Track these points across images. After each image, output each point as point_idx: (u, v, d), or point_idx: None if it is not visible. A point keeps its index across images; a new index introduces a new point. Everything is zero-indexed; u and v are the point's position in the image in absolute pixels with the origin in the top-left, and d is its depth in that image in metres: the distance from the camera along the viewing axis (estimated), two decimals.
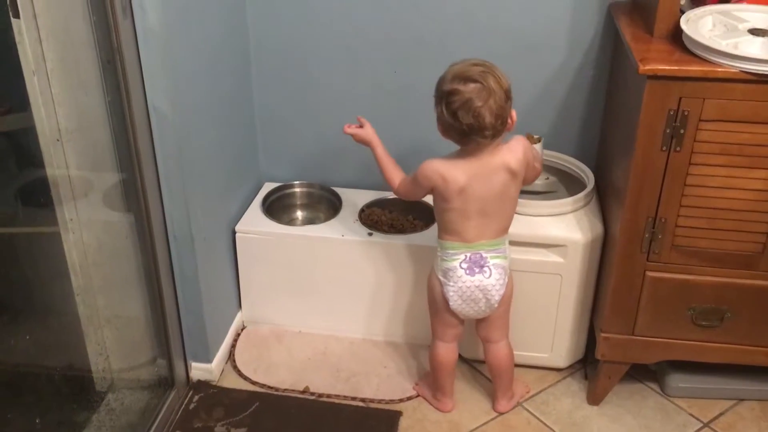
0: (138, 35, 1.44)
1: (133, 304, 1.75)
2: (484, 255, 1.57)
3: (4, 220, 1.90)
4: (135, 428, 1.71)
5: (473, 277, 1.56)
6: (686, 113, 1.42)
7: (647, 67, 1.39)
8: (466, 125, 1.43)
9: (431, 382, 1.81)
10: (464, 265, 1.57)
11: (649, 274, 1.59)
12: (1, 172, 1.92)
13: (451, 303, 1.59)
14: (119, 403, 1.77)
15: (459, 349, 1.78)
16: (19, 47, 1.38)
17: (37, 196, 1.67)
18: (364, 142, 1.67)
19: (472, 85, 1.41)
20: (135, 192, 1.59)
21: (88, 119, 1.53)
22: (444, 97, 1.44)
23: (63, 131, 1.49)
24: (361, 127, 1.68)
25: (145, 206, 1.59)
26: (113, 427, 1.72)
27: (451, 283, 1.57)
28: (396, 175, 1.65)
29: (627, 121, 1.57)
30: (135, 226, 1.65)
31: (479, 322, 1.69)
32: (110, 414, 1.76)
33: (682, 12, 1.52)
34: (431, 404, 1.80)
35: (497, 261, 1.59)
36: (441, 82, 1.46)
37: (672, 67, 1.39)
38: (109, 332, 1.73)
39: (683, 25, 1.46)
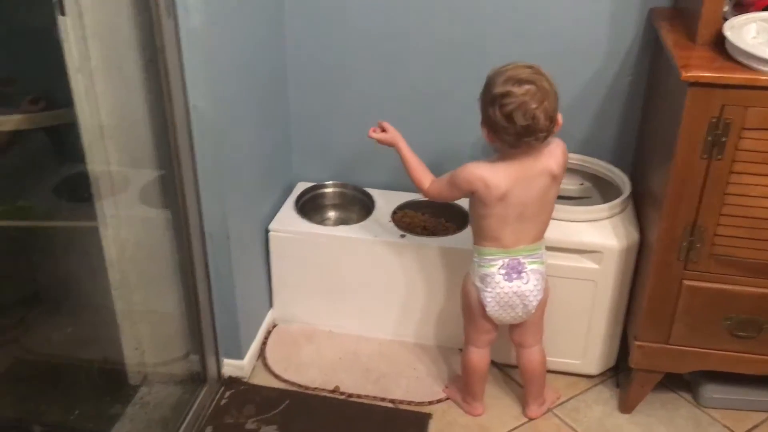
0: (180, 35, 1.46)
1: (168, 300, 1.78)
2: (522, 260, 1.56)
3: (45, 214, 1.94)
4: (167, 422, 1.73)
5: (511, 283, 1.56)
6: (728, 121, 1.40)
7: (689, 74, 1.38)
8: (521, 127, 1.41)
9: (462, 386, 1.80)
10: (502, 271, 1.56)
11: (686, 282, 1.57)
12: (44, 166, 1.97)
13: (488, 309, 1.58)
14: (152, 397, 1.80)
15: (491, 354, 1.78)
16: (65, 45, 1.40)
17: (78, 191, 1.70)
18: (389, 145, 1.66)
19: (526, 87, 1.40)
20: (173, 189, 1.61)
21: (130, 117, 1.55)
22: (496, 100, 1.41)
23: (105, 128, 1.52)
24: (384, 131, 1.67)
25: (182, 203, 1.61)
26: (146, 420, 1.74)
27: (489, 289, 1.56)
28: (425, 177, 1.64)
29: (667, 128, 1.55)
30: (172, 223, 1.67)
31: (513, 326, 1.68)
32: (143, 407, 1.78)
33: (725, 19, 1.50)
34: (461, 408, 1.80)
35: (535, 266, 1.58)
36: (491, 85, 1.43)
37: (715, 75, 1.38)
38: (143, 327, 1.76)
39: (726, 32, 1.44)
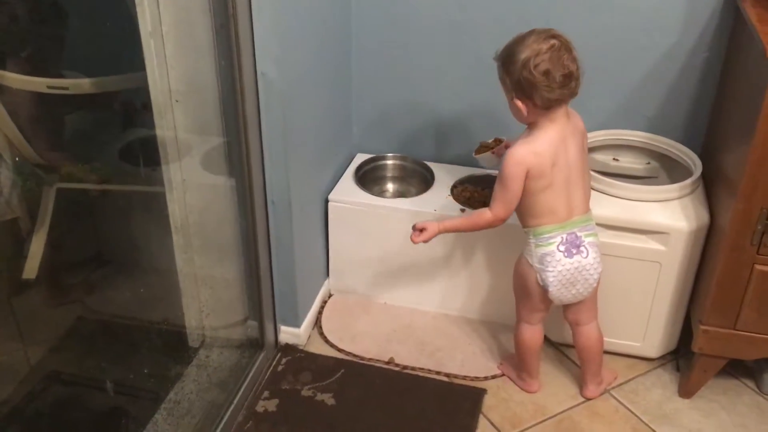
0: (252, 1, 1.45)
1: (229, 266, 1.80)
2: (578, 234, 1.54)
3: (112, 177, 1.97)
4: (226, 385, 1.76)
5: (572, 259, 1.54)
6: None
7: None
8: (561, 77, 1.42)
9: (516, 363, 1.79)
10: (561, 248, 1.54)
11: (758, 267, 1.52)
12: (112, 130, 2.00)
13: (551, 289, 1.57)
14: (211, 360, 1.83)
15: (545, 332, 1.76)
16: (138, 9, 1.42)
17: (145, 156, 1.72)
18: (437, 235, 1.62)
19: (551, 41, 1.43)
20: (238, 156, 1.62)
21: (199, 83, 1.56)
22: (528, 63, 1.42)
23: (174, 93, 1.53)
24: (422, 230, 1.61)
25: (247, 171, 1.62)
26: (204, 382, 1.78)
27: (550, 269, 1.55)
28: (481, 216, 1.57)
29: (746, 107, 1.50)
30: (236, 190, 1.68)
31: (568, 305, 1.66)
32: (202, 369, 1.82)
33: None
34: (516, 384, 1.79)
35: (591, 239, 1.56)
36: (513, 55, 1.44)
37: None
38: (204, 291, 1.79)
39: None
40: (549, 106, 1.47)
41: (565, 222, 1.54)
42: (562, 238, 1.54)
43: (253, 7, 1.46)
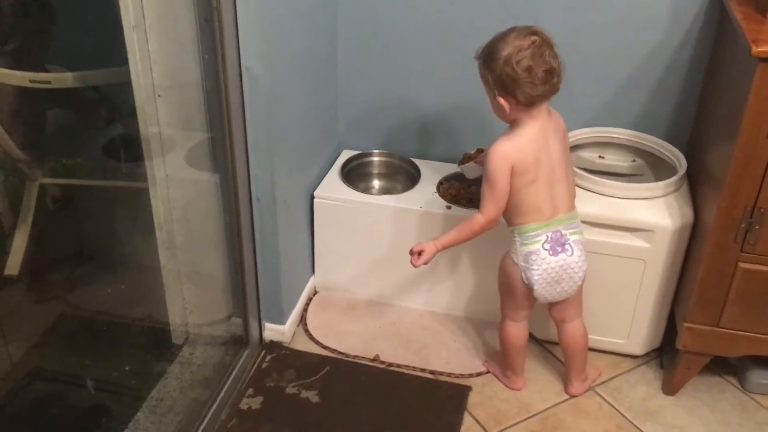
0: None
1: (214, 262, 1.79)
2: (563, 232, 1.54)
3: (94, 173, 1.95)
4: (209, 382, 1.75)
5: (557, 257, 1.54)
6: None
7: (760, 49, 1.32)
8: (543, 72, 1.42)
9: (501, 360, 1.79)
10: (546, 246, 1.54)
11: (742, 265, 1.53)
12: (95, 125, 1.98)
13: (536, 287, 1.56)
14: (195, 357, 1.82)
15: (530, 329, 1.76)
16: (121, 2, 1.40)
17: (128, 151, 1.71)
18: (436, 254, 1.59)
19: (532, 38, 1.43)
20: (223, 152, 1.60)
21: (182, 77, 1.55)
22: (510, 59, 1.42)
23: (157, 88, 1.52)
24: (420, 253, 1.58)
25: (231, 166, 1.61)
26: (190, 379, 1.77)
27: (535, 267, 1.54)
28: (474, 221, 1.55)
29: (731, 105, 1.50)
30: (220, 186, 1.67)
31: (553, 303, 1.66)
32: (186, 367, 1.80)
33: None
34: (501, 382, 1.79)
35: (576, 237, 1.56)
36: (495, 52, 1.44)
37: None
38: (188, 288, 1.77)
39: None
40: (531, 103, 1.47)
41: (550, 220, 1.54)
42: (547, 236, 1.54)
43: (237, 0, 1.44)
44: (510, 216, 1.56)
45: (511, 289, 1.63)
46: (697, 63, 1.80)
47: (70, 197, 1.89)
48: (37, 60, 1.69)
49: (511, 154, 1.49)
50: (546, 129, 1.52)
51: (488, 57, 1.47)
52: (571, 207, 1.57)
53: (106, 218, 1.94)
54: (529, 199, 1.52)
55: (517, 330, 1.71)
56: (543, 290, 1.57)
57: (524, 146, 1.49)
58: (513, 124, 1.53)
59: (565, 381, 1.77)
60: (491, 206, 1.52)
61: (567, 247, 1.54)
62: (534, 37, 1.44)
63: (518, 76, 1.43)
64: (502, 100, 1.47)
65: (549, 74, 1.44)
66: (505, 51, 1.43)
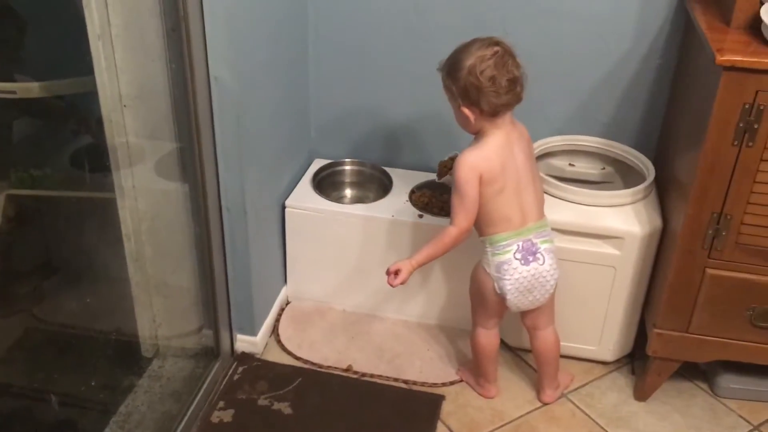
0: (204, 4, 1.43)
1: (183, 274, 1.76)
2: (534, 241, 1.55)
3: (61, 184, 1.92)
4: (180, 396, 1.73)
5: (528, 267, 1.54)
6: (762, 107, 1.37)
7: (724, 58, 1.34)
8: (507, 81, 1.44)
9: (474, 368, 1.79)
10: (518, 255, 1.54)
11: (709, 271, 1.54)
12: (62, 135, 1.95)
13: (508, 297, 1.56)
14: (165, 370, 1.80)
15: (503, 337, 1.77)
16: (86, 11, 1.38)
17: (95, 161, 1.68)
18: (413, 272, 1.59)
19: (494, 48, 1.45)
20: (192, 162, 1.59)
21: (150, 87, 1.53)
22: (474, 69, 1.44)
23: (124, 97, 1.50)
24: (397, 272, 1.58)
25: (201, 177, 1.59)
26: (159, 393, 1.74)
27: (507, 277, 1.55)
28: (447, 234, 1.54)
29: (697, 113, 1.52)
30: (189, 196, 1.65)
31: (525, 311, 1.66)
32: (156, 380, 1.78)
33: (762, 3, 1.46)
34: (474, 390, 1.79)
35: (547, 246, 1.57)
36: (459, 62, 1.46)
37: (750, 59, 1.34)
38: (158, 300, 1.75)
39: (763, 16, 1.40)
40: (496, 112, 1.48)
41: (521, 229, 1.54)
42: (518, 245, 1.55)
43: (204, 9, 1.44)
44: (480, 226, 1.56)
45: (483, 298, 1.63)
46: (664, 72, 1.82)
47: (26, 212, 1.86)
48: (5, 71, 1.66)
49: (478, 164, 1.49)
50: (511, 138, 1.53)
51: (452, 68, 1.48)
52: (541, 215, 1.58)
53: (74, 230, 1.91)
54: (498, 208, 1.53)
55: (489, 337, 1.71)
56: (515, 299, 1.58)
57: (491, 156, 1.50)
58: (478, 134, 1.53)
59: (538, 388, 1.78)
60: (462, 217, 1.52)
61: (539, 255, 1.55)
62: (496, 48, 1.45)
63: (482, 86, 1.44)
64: (466, 111, 1.48)
65: (512, 83, 1.46)
66: (469, 61, 1.45)
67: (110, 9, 1.40)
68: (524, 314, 1.67)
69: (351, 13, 1.91)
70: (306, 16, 1.92)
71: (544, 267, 1.55)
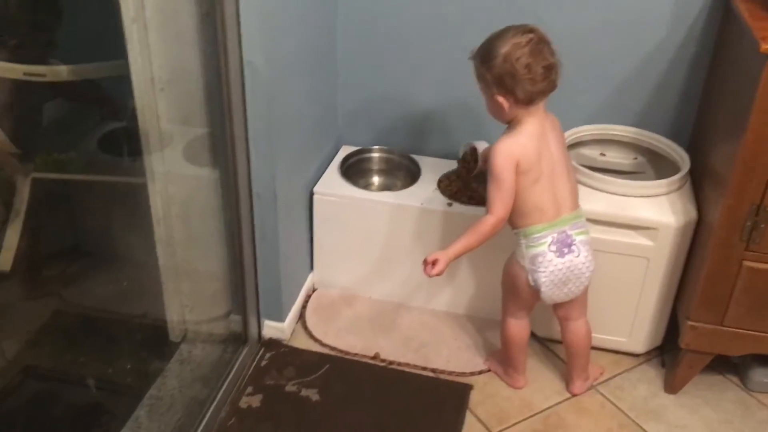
0: None
1: (212, 259, 1.76)
2: (569, 232, 1.53)
3: (88, 167, 1.92)
4: (208, 380, 1.73)
5: (563, 259, 1.52)
6: None
7: None
8: (543, 68, 1.42)
9: (503, 358, 1.78)
10: (553, 248, 1.52)
11: (747, 263, 1.52)
12: (92, 118, 1.95)
13: (543, 289, 1.55)
14: (193, 355, 1.80)
15: (532, 327, 1.75)
16: None
17: (125, 145, 1.68)
18: (450, 261, 1.55)
19: (529, 35, 1.43)
20: (223, 148, 1.58)
21: (183, 71, 1.52)
22: (509, 57, 1.42)
23: (157, 81, 1.49)
24: (434, 263, 1.54)
25: (232, 162, 1.59)
26: (186, 378, 1.74)
27: (542, 269, 1.53)
28: (484, 224, 1.51)
29: (737, 102, 1.49)
30: (220, 182, 1.64)
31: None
32: (183, 365, 1.78)
33: None
34: (503, 380, 1.78)
35: (582, 237, 1.55)
36: (493, 51, 1.44)
37: None
38: (186, 285, 1.75)
39: None
40: (531, 100, 1.46)
41: (555, 220, 1.52)
42: (552, 237, 1.53)
43: None
44: (514, 218, 1.54)
45: (516, 289, 1.62)
46: (699, 60, 1.79)
47: (54, 196, 1.86)
48: (40, 55, 1.66)
49: (515, 151, 1.47)
50: (545, 126, 1.51)
51: (486, 56, 1.46)
52: (575, 206, 1.56)
53: (103, 213, 1.91)
54: (533, 198, 1.51)
55: (520, 327, 1.69)
56: (550, 292, 1.56)
57: (526, 144, 1.48)
58: (512, 123, 1.51)
59: (567, 379, 1.76)
60: (499, 205, 1.50)
61: (573, 248, 1.53)
62: (531, 35, 1.43)
63: (518, 73, 1.42)
64: (500, 99, 1.46)
65: (548, 70, 1.44)
66: (504, 49, 1.43)
67: None
68: (557, 305, 1.66)
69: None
70: (335, 2, 1.90)
71: (579, 259, 1.53)
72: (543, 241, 1.52)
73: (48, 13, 1.69)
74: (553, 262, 1.52)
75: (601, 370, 1.81)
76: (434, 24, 1.89)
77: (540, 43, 1.43)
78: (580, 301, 1.64)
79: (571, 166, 1.58)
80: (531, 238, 1.53)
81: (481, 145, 1.76)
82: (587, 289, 1.63)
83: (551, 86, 1.46)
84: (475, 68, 1.50)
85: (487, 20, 1.83)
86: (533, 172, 1.49)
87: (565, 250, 1.53)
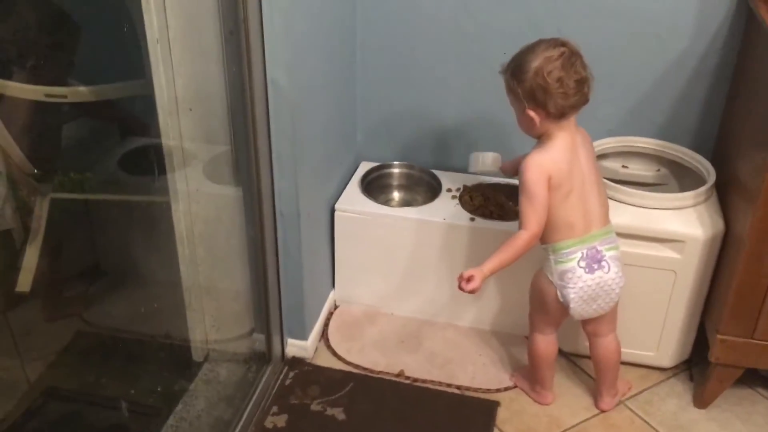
0: (263, 6, 1.41)
1: (235, 277, 1.75)
2: (599, 248, 1.51)
3: (106, 187, 1.92)
4: (232, 400, 1.72)
5: (593, 275, 1.51)
6: None
7: None
8: (575, 82, 1.41)
9: (530, 374, 1.76)
10: (582, 264, 1.51)
11: None
12: (114, 138, 1.95)
13: (572, 305, 1.53)
14: (216, 374, 1.79)
15: (558, 342, 1.73)
16: (145, 15, 1.37)
17: (150, 164, 1.67)
18: (485, 278, 1.51)
19: (561, 49, 1.42)
20: (246, 165, 1.57)
21: (206, 90, 1.52)
22: (540, 71, 1.41)
23: (181, 101, 1.49)
24: (469, 279, 1.49)
25: (257, 180, 1.58)
26: (211, 398, 1.73)
27: (571, 285, 1.51)
28: (517, 238, 1.48)
29: (763, 113, 1.48)
30: (244, 200, 1.64)
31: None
32: (207, 385, 1.77)
33: None
34: (530, 396, 1.76)
35: (612, 253, 1.53)
36: (524, 65, 1.42)
37: None
38: (209, 304, 1.74)
39: None
40: (563, 114, 1.45)
41: (585, 236, 1.51)
42: (582, 253, 1.51)
43: (264, 12, 1.42)
44: (543, 233, 1.52)
45: (544, 305, 1.60)
46: (723, 71, 1.78)
47: (73, 215, 1.86)
48: (59, 75, 1.67)
49: (547, 165, 1.46)
50: (575, 141, 1.50)
51: (517, 69, 1.45)
52: (606, 221, 1.54)
53: (123, 233, 1.91)
54: (563, 214, 1.49)
55: (547, 343, 1.68)
56: (579, 308, 1.54)
57: (558, 158, 1.47)
58: (542, 137, 1.50)
59: (595, 395, 1.74)
60: (533, 220, 1.48)
61: (603, 263, 1.51)
62: (563, 48, 1.42)
63: (550, 87, 1.41)
64: (532, 113, 1.45)
65: (580, 84, 1.43)
66: (535, 62, 1.42)
67: (168, 12, 1.39)
68: (585, 321, 1.64)
69: (399, 15, 1.89)
70: (354, 18, 1.90)
71: (609, 275, 1.52)
72: (572, 256, 1.51)
73: (66, 33, 1.70)
74: (583, 278, 1.51)
75: (629, 386, 1.79)
76: (453, 39, 1.89)
77: (572, 57, 1.42)
78: (609, 316, 1.62)
79: (601, 181, 1.57)
80: (560, 254, 1.52)
81: (490, 156, 1.74)
82: (617, 305, 1.61)
83: (583, 100, 1.45)
84: (506, 82, 1.48)
85: (506, 35, 1.85)
86: (564, 187, 1.47)
87: (595, 266, 1.51)
